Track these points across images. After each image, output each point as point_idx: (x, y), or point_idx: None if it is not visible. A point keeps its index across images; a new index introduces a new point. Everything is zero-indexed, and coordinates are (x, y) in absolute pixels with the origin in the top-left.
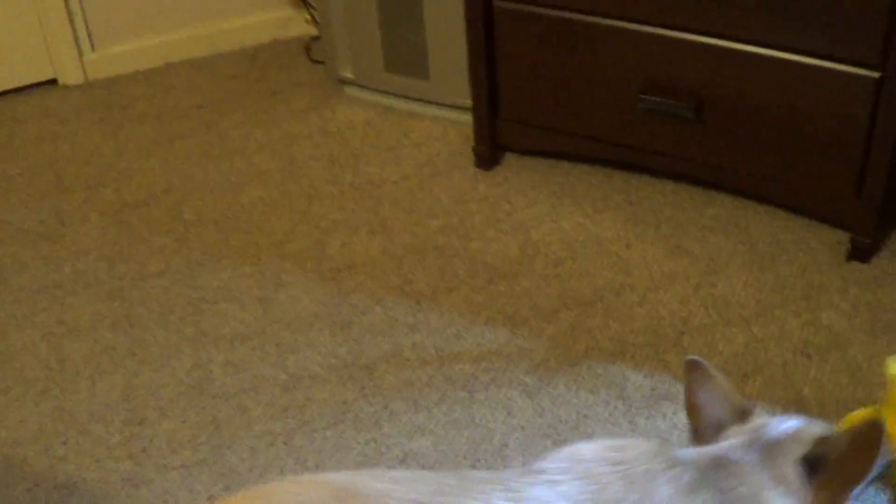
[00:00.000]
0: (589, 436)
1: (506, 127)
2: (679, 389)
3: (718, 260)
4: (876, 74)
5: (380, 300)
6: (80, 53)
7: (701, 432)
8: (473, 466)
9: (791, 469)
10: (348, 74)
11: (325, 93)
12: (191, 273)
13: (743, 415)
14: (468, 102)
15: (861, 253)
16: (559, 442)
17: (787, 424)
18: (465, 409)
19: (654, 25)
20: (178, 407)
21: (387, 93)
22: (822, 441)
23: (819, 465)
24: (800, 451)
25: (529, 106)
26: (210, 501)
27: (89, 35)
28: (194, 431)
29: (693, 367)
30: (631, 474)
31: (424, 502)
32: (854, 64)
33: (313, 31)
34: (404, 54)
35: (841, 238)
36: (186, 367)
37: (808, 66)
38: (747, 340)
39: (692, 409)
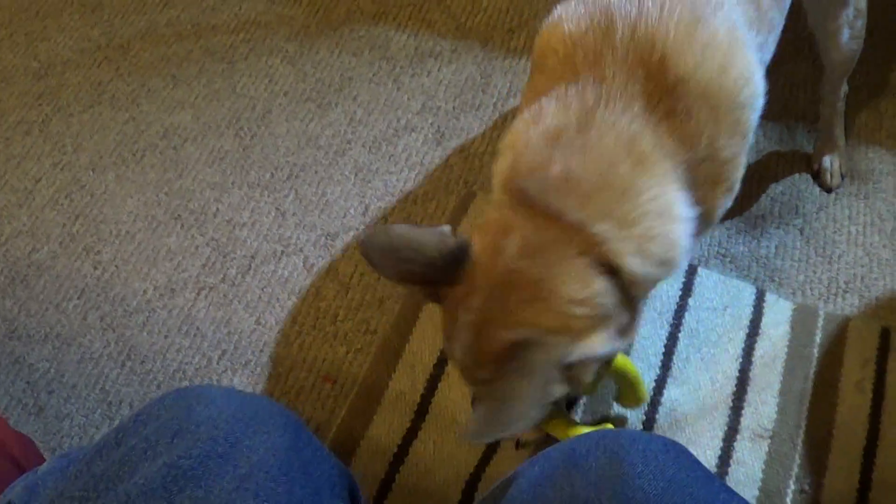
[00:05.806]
0: (354, 97)
1: None
2: (443, 46)
3: None
4: None
5: None
6: None
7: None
8: (237, 135)
9: None
10: None
11: None
12: None
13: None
14: None
15: None
16: (323, 105)
17: None
18: (226, 79)
19: None
20: None
21: None
22: None
23: None
24: None
25: None
26: None
27: None
28: None
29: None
30: None
31: None
32: None
33: None
34: None
35: None
36: None
37: None
38: None
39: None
